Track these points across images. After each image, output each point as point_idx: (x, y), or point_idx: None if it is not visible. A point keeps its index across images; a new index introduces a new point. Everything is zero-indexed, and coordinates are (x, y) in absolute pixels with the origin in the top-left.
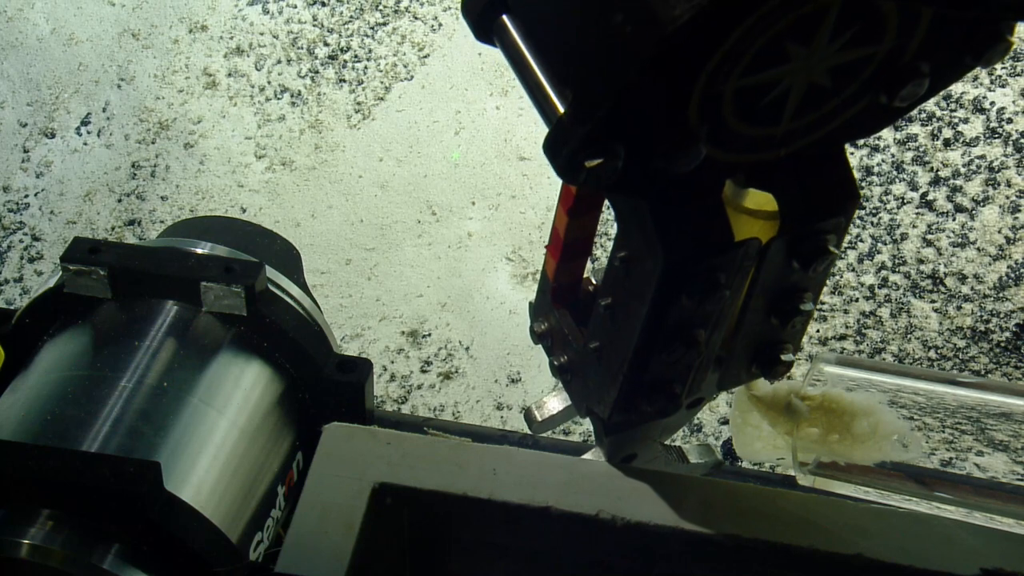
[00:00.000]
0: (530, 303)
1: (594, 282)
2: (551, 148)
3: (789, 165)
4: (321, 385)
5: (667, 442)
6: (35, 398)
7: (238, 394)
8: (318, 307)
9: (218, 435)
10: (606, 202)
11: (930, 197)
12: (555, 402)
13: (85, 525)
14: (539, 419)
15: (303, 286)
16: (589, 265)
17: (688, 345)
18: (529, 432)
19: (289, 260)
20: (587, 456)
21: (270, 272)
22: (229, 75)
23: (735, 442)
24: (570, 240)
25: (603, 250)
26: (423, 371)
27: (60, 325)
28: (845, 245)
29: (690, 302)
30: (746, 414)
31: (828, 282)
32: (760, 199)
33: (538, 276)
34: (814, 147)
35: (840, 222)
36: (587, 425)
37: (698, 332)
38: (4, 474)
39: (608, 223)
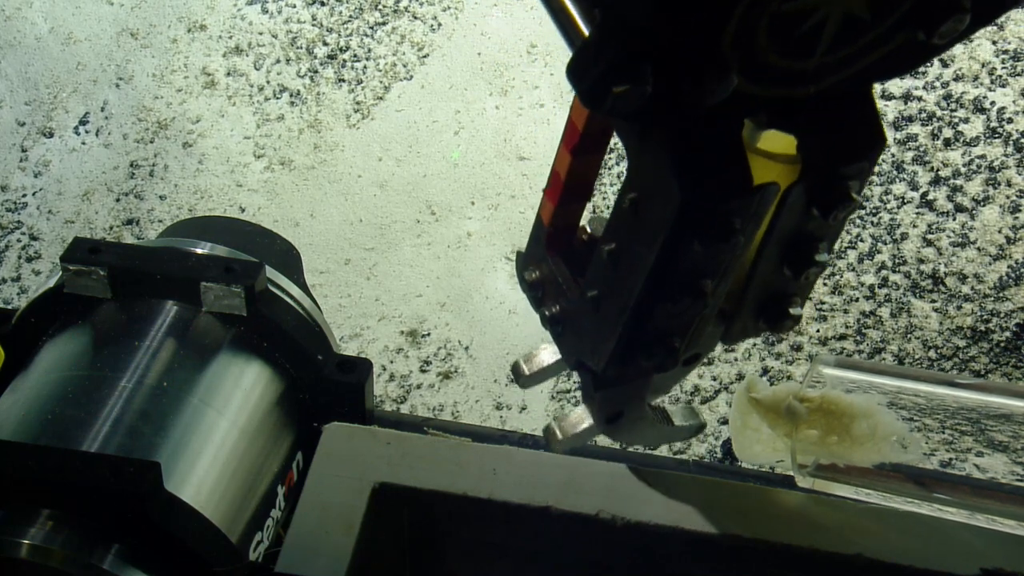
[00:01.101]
0: (518, 252)
1: (589, 231)
2: (576, 71)
3: (814, 106)
4: (321, 385)
5: (652, 403)
6: (35, 398)
7: (238, 394)
8: (318, 307)
9: (218, 435)
10: (610, 143)
11: (930, 197)
12: (545, 355)
13: (85, 525)
14: (527, 372)
15: (303, 286)
16: (586, 214)
17: (694, 296)
18: (525, 432)
19: (289, 260)
20: (579, 410)
21: (270, 272)
22: (228, 74)
23: (735, 444)
24: (571, 182)
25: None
26: (422, 371)
27: (60, 325)
28: (845, 244)
29: (701, 248)
30: (745, 416)
31: (828, 282)
32: (779, 143)
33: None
34: (844, 85)
35: (864, 167)
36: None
37: (705, 282)
38: (4, 474)
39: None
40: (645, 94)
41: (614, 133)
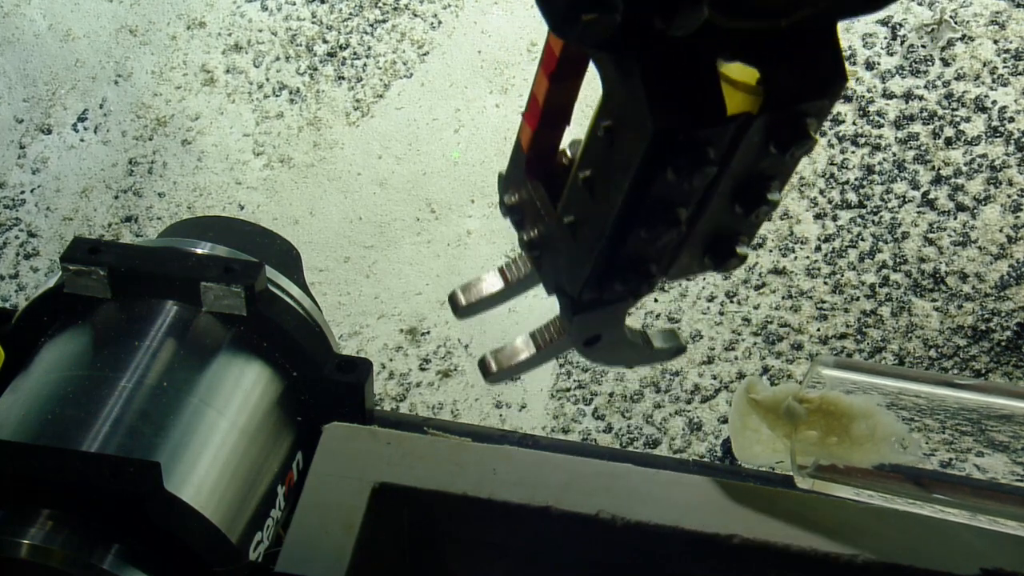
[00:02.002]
0: (500, 174)
1: (569, 155)
2: None
3: (781, 40)
4: (321, 385)
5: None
6: (35, 398)
7: (238, 394)
8: (318, 307)
9: (218, 435)
10: (589, 69)
11: (931, 196)
12: (485, 285)
13: (85, 525)
14: (464, 303)
15: (303, 286)
16: (565, 138)
17: (668, 223)
18: (524, 431)
19: (289, 260)
20: (517, 342)
21: (270, 272)
22: (227, 72)
23: (734, 445)
24: (549, 106)
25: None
26: (422, 369)
27: (60, 325)
28: (845, 244)
29: (675, 177)
30: (745, 417)
31: (829, 280)
32: (741, 71)
33: None
34: (814, 20)
35: (824, 105)
36: (586, 423)
37: (680, 210)
38: (4, 474)
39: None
40: (614, 23)
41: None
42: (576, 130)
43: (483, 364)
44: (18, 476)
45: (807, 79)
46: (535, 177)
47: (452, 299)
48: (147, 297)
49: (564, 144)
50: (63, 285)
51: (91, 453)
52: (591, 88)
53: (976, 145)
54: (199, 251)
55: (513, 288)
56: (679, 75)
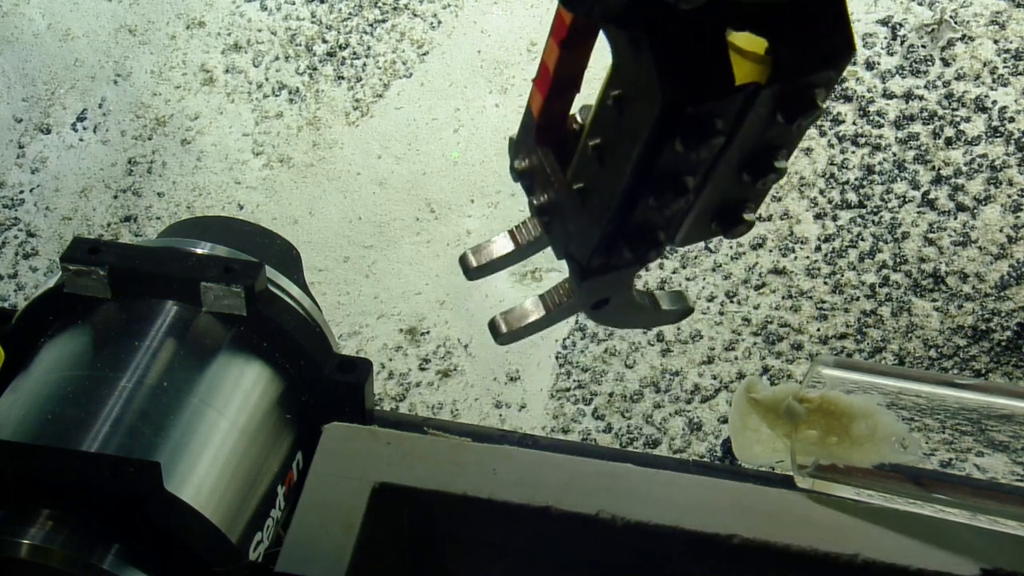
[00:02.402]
0: (510, 139)
1: (579, 121)
2: None
3: (790, 11)
4: (321, 385)
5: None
6: (35, 398)
7: (238, 394)
8: (318, 307)
9: (218, 435)
10: (598, 36)
11: (932, 196)
12: (496, 247)
13: (85, 525)
14: (475, 264)
15: (303, 286)
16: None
17: (677, 191)
18: (524, 431)
19: (289, 260)
20: (527, 304)
21: (270, 272)
22: (227, 71)
23: (734, 445)
24: (560, 74)
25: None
26: (421, 369)
27: (60, 325)
28: (845, 244)
29: (683, 148)
30: (745, 417)
31: (829, 280)
32: (747, 40)
33: (538, 272)
34: None
35: (831, 75)
36: (586, 423)
37: (688, 178)
38: (4, 474)
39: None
40: None
41: None
42: (587, 95)
43: (493, 325)
44: (18, 476)
45: (815, 49)
46: (545, 143)
47: (463, 260)
48: (147, 297)
49: (574, 110)
50: (63, 285)
51: (91, 453)
52: (602, 54)
53: (976, 145)
54: (199, 251)
55: (523, 250)
56: (688, 46)
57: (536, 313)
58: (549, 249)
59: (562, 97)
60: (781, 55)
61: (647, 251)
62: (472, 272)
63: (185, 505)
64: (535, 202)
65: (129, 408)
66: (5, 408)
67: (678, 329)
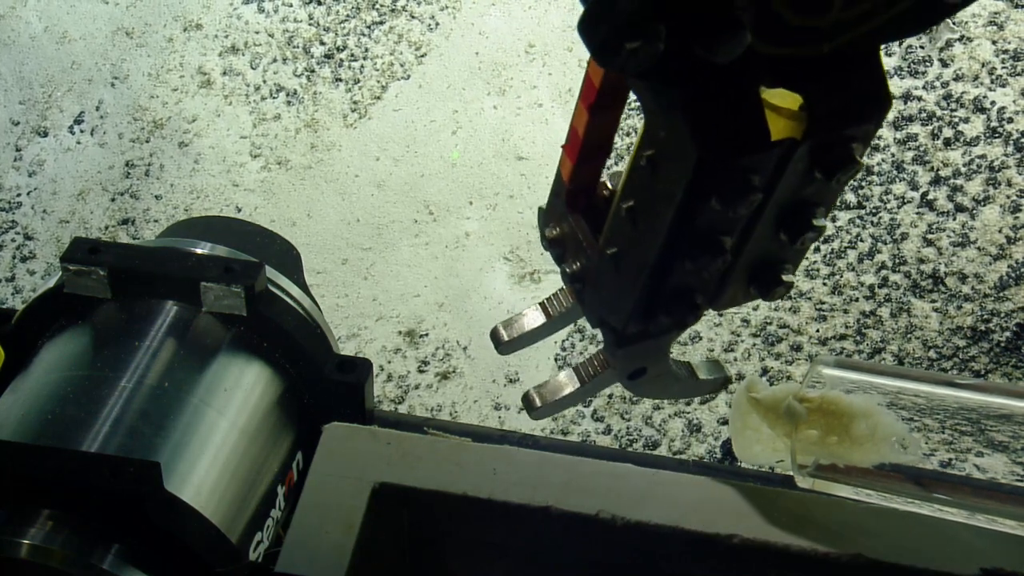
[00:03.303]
0: (540, 208)
1: (610, 187)
2: (588, 26)
3: (823, 65)
4: (321, 385)
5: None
6: (35, 398)
7: (238, 394)
8: (318, 307)
9: (218, 435)
10: (628, 100)
11: (931, 197)
12: (527, 320)
13: (85, 525)
14: (507, 338)
15: (303, 286)
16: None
17: (713, 252)
18: (524, 432)
19: (289, 260)
20: (561, 376)
21: (270, 272)
22: (224, 74)
23: (734, 444)
24: (589, 139)
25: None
26: (420, 371)
27: (60, 325)
28: (844, 245)
29: (719, 205)
30: (745, 416)
31: (828, 282)
32: (781, 96)
33: (537, 274)
34: (857, 44)
35: (869, 129)
36: (586, 425)
37: (724, 238)
38: (4, 474)
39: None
40: (657, 51)
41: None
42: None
43: (527, 399)
44: (18, 476)
45: (851, 103)
46: (576, 210)
47: (494, 335)
48: (147, 297)
49: (605, 176)
50: (63, 285)
51: (91, 453)
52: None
53: (975, 146)
54: (199, 251)
55: (555, 322)
56: (721, 102)
57: (571, 386)
58: (546, 252)
59: (592, 162)
60: (816, 110)
61: (684, 315)
62: (504, 347)
63: (185, 505)
64: (567, 270)
65: (129, 408)
66: (5, 408)
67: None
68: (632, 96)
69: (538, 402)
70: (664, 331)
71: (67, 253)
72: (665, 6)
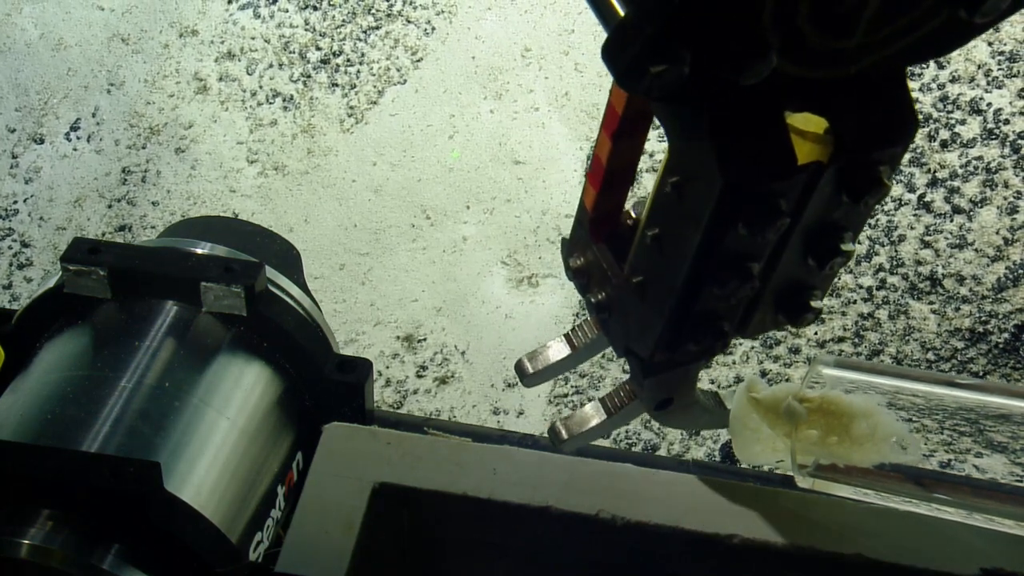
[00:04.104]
0: (563, 239)
1: (634, 215)
2: (611, 52)
3: (849, 88)
4: (321, 385)
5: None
6: (35, 398)
7: (238, 394)
8: (318, 307)
9: (218, 435)
10: (651, 126)
11: (928, 198)
12: (551, 352)
13: (85, 525)
14: (531, 371)
15: (303, 286)
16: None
17: (741, 278)
18: (530, 433)
19: (289, 260)
20: (587, 408)
21: (270, 272)
22: (220, 79)
23: (735, 444)
24: (612, 167)
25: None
26: (419, 376)
27: (60, 325)
28: None
29: (746, 231)
30: (745, 416)
31: None
32: (806, 120)
33: (535, 278)
34: (883, 66)
35: (896, 152)
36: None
37: (752, 264)
38: (4, 474)
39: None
40: (683, 75)
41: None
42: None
43: (553, 432)
44: (18, 476)
45: (878, 125)
46: (600, 239)
47: (519, 368)
48: (147, 297)
49: (628, 205)
50: (63, 285)
51: (91, 453)
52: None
53: (972, 148)
54: (199, 251)
55: (580, 353)
56: (747, 126)
57: (597, 418)
58: (545, 254)
59: (616, 190)
60: (843, 133)
61: (712, 343)
62: (529, 379)
63: (185, 505)
64: (592, 300)
65: (129, 408)
66: (5, 408)
67: None
68: (656, 122)
69: (564, 434)
70: (691, 359)
71: (67, 253)
72: (690, 29)
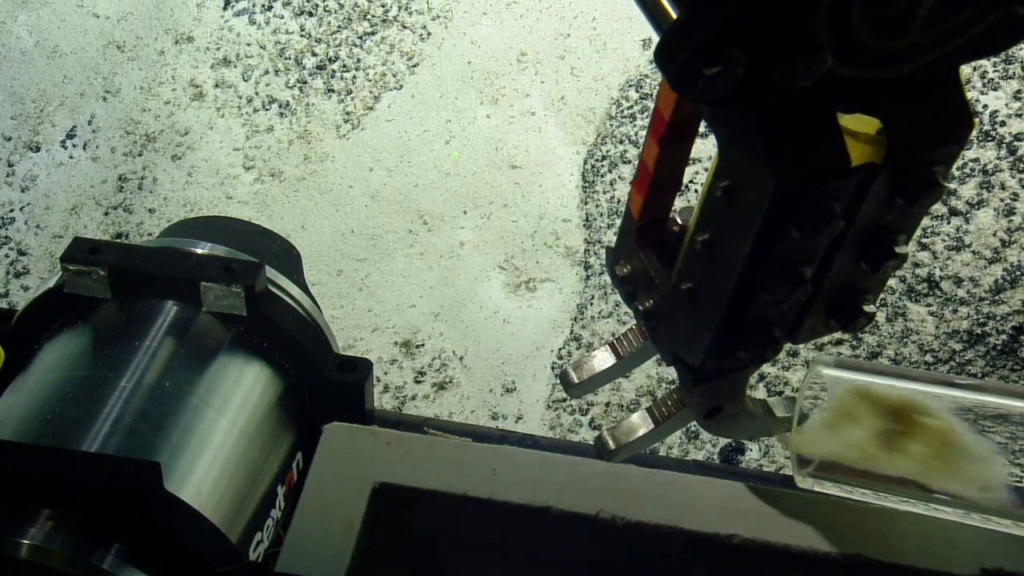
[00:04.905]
0: (607, 247)
1: (680, 222)
2: (664, 55)
3: (902, 88)
4: (321, 385)
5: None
6: (35, 398)
7: (238, 394)
8: (318, 307)
9: (218, 435)
10: (699, 131)
11: None
12: (596, 361)
13: (85, 525)
14: (576, 380)
15: (303, 286)
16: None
17: (793, 283)
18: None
19: (289, 260)
20: (634, 418)
21: (270, 272)
22: (216, 86)
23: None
24: (659, 173)
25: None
26: (417, 381)
27: (60, 325)
28: None
29: (799, 235)
30: (851, 405)
31: None
32: (858, 122)
33: (532, 282)
34: (937, 65)
35: (952, 151)
36: (583, 434)
37: (804, 268)
38: (4, 474)
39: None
40: (737, 77)
41: (703, 121)
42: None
43: (600, 442)
44: (18, 476)
45: (932, 126)
46: (647, 246)
47: (564, 377)
48: (147, 297)
49: (674, 212)
50: (63, 285)
51: (91, 453)
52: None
53: (968, 150)
54: (199, 251)
55: (626, 362)
56: (799, 129)
57: (644, 428)
58: (542, 259)
59: (663, 196)
60: (897, 133)
61: (763, 349)
62: (574, 389)
63: (185, 505)
64: (640, 307)
65: (129, 408)
66: (5, 408)
67: None
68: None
69: (612, 445)
70: (741, 366)
71: (67, 253)
72: (744, 31)
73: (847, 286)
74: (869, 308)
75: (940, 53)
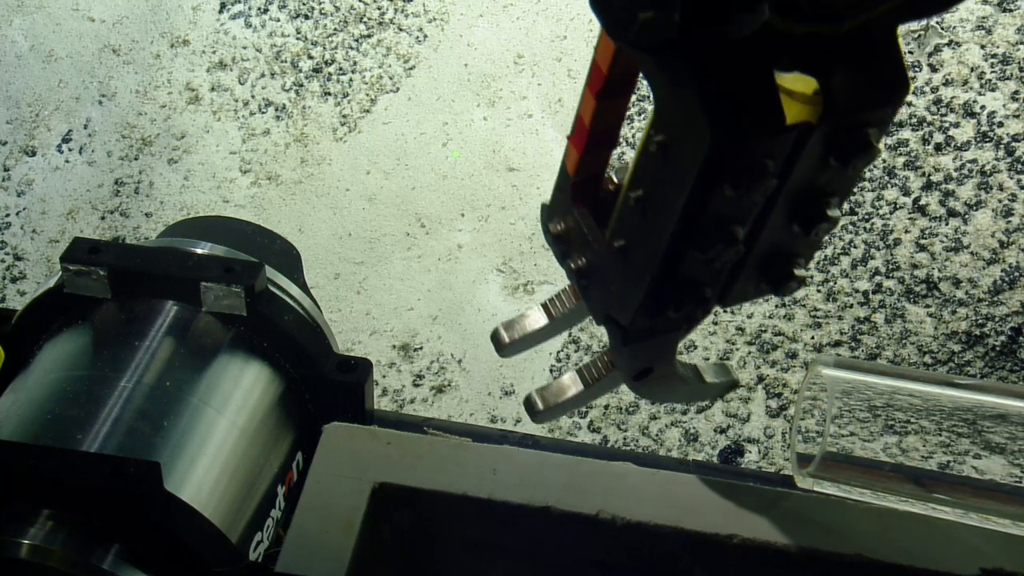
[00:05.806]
0: (543, 204)
1: (616, 180)
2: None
3: (840, 47)
4: (321, 385)
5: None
6: (35, 398)
7: (238, 394)
8: (318, 307)
9: (218, 435)
10: (636, 87)
11: (923, 202)
12: (529, 321)
13: (85, 525)
14: (507, 340)
15: (303, 286)
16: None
17: (726, 242)
18: (534, 422)
19: (289, 260)
20: (565, 379)
21: (270, 272)
22: (212, 89)
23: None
24: (596, 127)
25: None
26: (415, 385)
27: (60, 325)
28: (837, 251)
29: (733, 192)
30: None
31: (822, 288)
32: (795, 81)
33: (530, 285)
34: (875, 25)
35: (886, 113)
36: (581, 436)
37: (737, 228)
38: (4, 474)
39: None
40: (672, 22)
41: (640, 76)
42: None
43: (529, 403)
44: (18, 476)
45: (868, 86)
46: (582, 203)
47: (495, 337)
48: (147, 297)
49: (609, 170)
50: (63, 285)
51: (91, 453)
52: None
53: (966, 150)
54: (199, 251)
55: (558, 323)
56: (736, 84)
57: (574, 388)
58: (540, 261)
59: (599, 152)
60: (833, 93)
61: (693, 310)
62: (505, 349)
63: (185, 505)
64: (572, 265)
65: (129, 408)
66: (5, 408)
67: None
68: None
69: (540, 405)
70: (672, 327)
71: (67, 253)
72: None
73: (780, 249)
74: (800, 272)
75: (879, 11)
